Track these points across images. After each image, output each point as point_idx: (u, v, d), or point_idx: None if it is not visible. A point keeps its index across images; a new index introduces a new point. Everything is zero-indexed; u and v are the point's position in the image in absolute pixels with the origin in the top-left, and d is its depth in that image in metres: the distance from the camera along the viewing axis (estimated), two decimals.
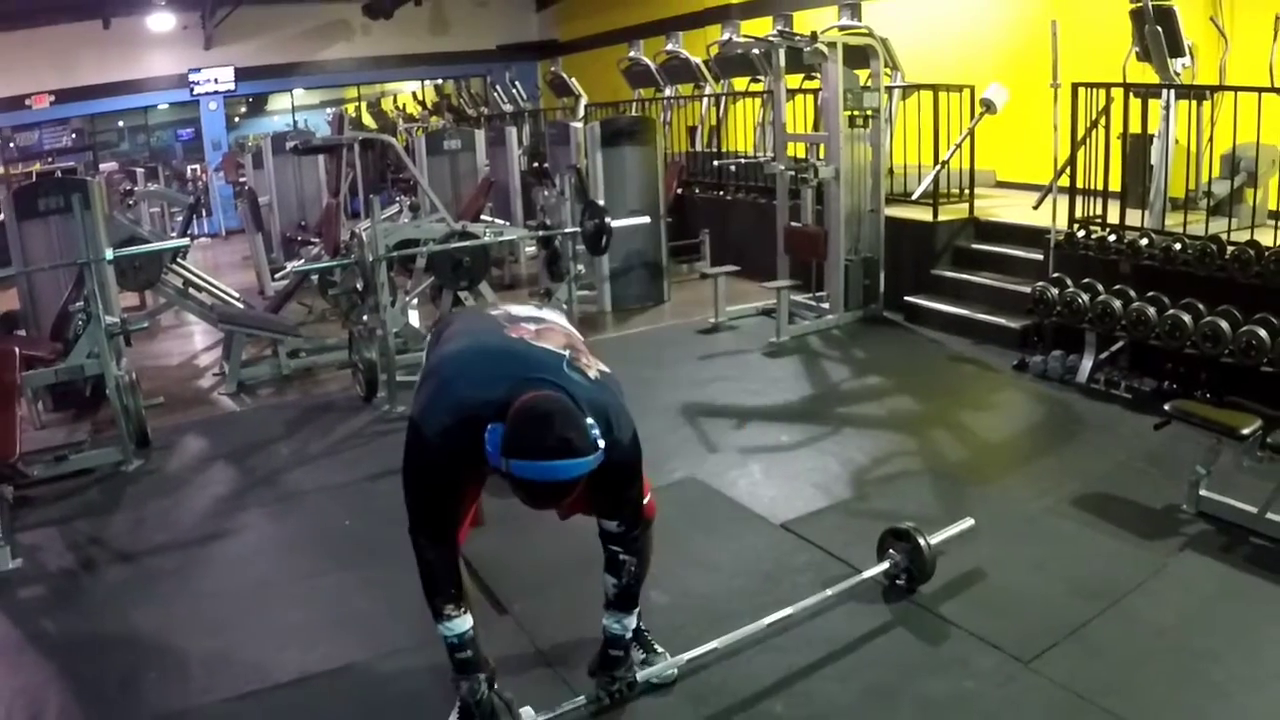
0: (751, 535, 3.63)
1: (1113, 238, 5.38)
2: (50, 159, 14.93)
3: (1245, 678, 2.61)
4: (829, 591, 2.99)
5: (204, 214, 13.36)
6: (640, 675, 2.67)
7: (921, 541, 3.04)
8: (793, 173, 6.81)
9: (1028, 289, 5.60)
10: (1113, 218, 5.65)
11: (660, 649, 2.78)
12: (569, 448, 1.97)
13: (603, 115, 10.22)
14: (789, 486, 4.06)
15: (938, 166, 6.95)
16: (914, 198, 7.18)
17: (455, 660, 2.35)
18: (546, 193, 7.95)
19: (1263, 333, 4.42)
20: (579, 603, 3.12)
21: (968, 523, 3.23)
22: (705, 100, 10.18)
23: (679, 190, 9.39)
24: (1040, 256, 5.85)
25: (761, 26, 9.43)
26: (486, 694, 2.36)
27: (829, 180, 6.55)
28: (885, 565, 3.10)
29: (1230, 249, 4.74)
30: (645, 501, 2.51)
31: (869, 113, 6.67)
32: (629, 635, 2.58)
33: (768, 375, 5.73)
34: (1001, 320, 6.03)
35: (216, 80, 15.05)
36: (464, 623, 2.33)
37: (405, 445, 2.27)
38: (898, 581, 3.11)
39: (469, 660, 2.34)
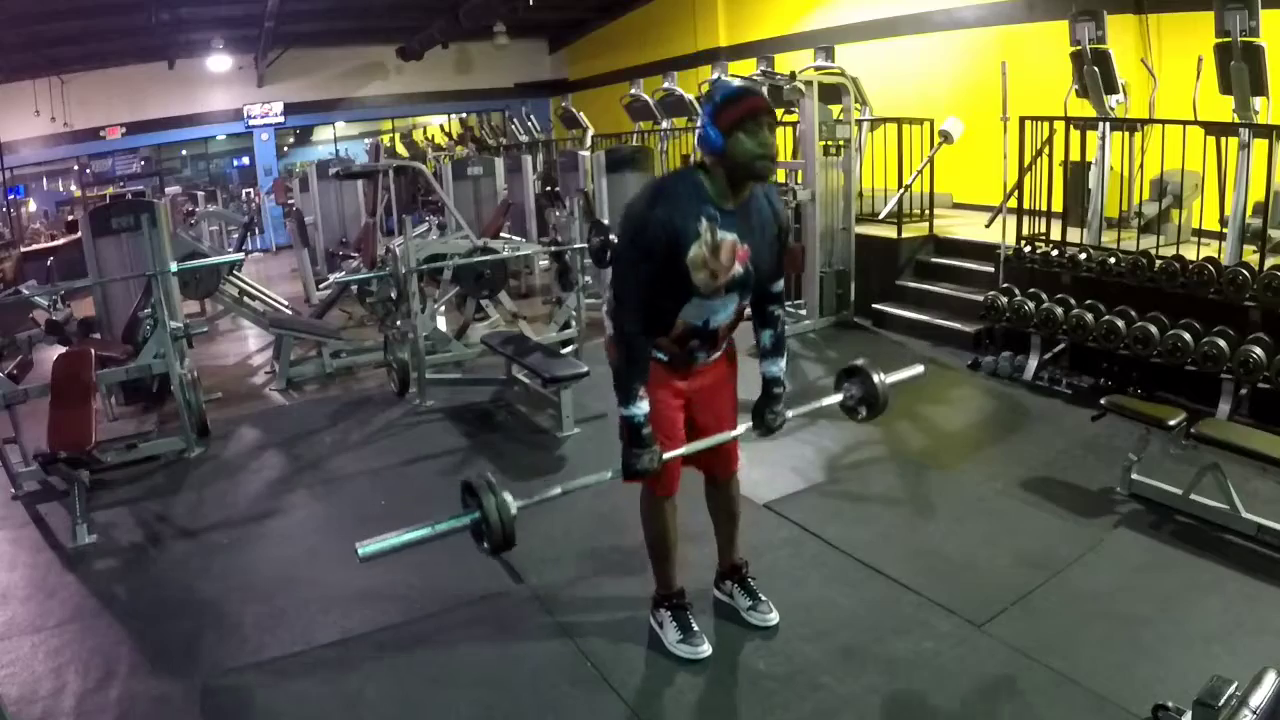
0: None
1: (1055, 253, 5.38)
2: (121, 184, 14.94)
3: (1172, 640, 2.61)
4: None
5: (257, 232, 13.34)
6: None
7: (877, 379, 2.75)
8: None
9: (980, 297, 5.61)
10: (1055, 235, 5.65)
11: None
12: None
13: (607, 145, 10.19)
14: (771, 471, 4.05)
15: (902, 190, 6.94)
16: (881, 217, 7.16)
17: (640, 436, 2.35)
18: (558, 213, 7.95)
19: (1187, 336, 4.42)
20: (587, 574, 3.12)
21: (918, 369, 3.05)
22: (697, 132, 10.16)
23: None
24: (991, 269, 5.84)
25: (747, 67, 9.42)
26: (660, 462, 2.38)
27: (806, 202, 6.54)
28: (840, 396, 2.82)
29: (1159, 263, 4.73)
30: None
31: (841, 143, 6.66)
32: (783, 375, 2.67)
33: (753, 373, 5.69)
34: (957, 325, 6.02)
35: (268, 114, 15.07)
36: (647, 406, 2.36)
37: (618, 243, 2.37)
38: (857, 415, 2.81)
39: (650, 435, 2.36)
